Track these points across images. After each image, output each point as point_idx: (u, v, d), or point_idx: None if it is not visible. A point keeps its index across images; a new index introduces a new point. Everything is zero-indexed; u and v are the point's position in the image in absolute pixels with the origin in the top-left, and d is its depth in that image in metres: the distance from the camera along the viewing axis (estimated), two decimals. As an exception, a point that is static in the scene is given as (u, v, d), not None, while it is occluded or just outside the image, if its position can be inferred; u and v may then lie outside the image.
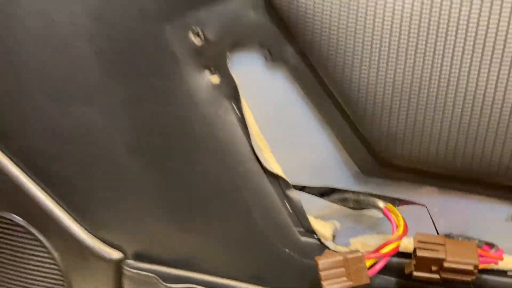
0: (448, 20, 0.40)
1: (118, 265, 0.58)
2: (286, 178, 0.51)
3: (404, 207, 0.50)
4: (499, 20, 0.39)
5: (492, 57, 0.40)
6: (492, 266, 0.47)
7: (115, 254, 0.57)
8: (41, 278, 0.61)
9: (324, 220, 0.53)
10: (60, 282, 0.60)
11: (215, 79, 0.48)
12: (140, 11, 0.46)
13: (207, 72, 0.48)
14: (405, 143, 0.44)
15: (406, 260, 0.49)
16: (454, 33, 0.40)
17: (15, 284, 0.62)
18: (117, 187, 0.55)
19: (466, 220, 0.49)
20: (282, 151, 0.51)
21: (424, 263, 0.44)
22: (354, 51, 0.42)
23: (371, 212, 0.52)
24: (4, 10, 0.49)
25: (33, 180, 0.56)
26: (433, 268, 0.44)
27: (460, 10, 0.39)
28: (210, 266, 0.56)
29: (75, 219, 0.57)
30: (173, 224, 0.55)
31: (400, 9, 0.40)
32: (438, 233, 0.50)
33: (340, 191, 0.52)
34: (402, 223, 0.46)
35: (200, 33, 0.46)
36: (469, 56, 0.40)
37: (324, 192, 0.53)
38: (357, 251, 0.45)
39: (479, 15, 0.39)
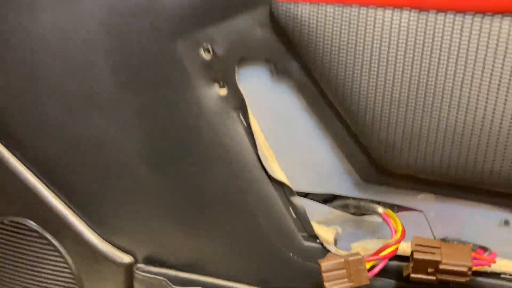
0: (441, 41, 0.41)
1: (128, 269, 0.58)
2: (290, 185, 0.51)
3: (402, 213, 0.50)
4: (487, 47, 0.40)
5: (482, 77, 0.41)
6: (486, 268, 0.47)
7: (126, 258, 0.57)
8: (54, 282, 0.61)
9: (326, 226, 0.53)
10: (73, 286, 0.60)
11: (223, 91, 0.49)
12: (154, 29, 0.47)
13: (216, 85, 0.49)
14: (402, 153, 0.45)
15: (405, 264, 0.49)
16: (447, 51, 0.41)
17: (29, 288, 0.62)
18: (128, 193, 0.55)
19: (461, 225, 0.49)
20: (286, 160, 0.51)
21: (421, 265, 0.44)
22: (353, 66, 0.43)
23: (371, 217, 0.52)
24: (25, 27, 0.50)
25: (48, 187, 0.57)
26: (430, 270, 0.44)
27: (452, 33, 0.40)
28: (217, 269, 0.55)
29: (88, 225, 0.57)
30: (182, 229, 0.55)
31: (396, 28, 0.41)
32: (434, 237, 0.50)
33: (341, 198, 0.52)
34: (400, 227, 0.47)
35: (210, 49, 0.47)
36: (461, 75, 0.41)
37: (327, 199, 0.53)
38: (357, 253, 0.45)
39: (469, 38, 0.40)
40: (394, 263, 0.49)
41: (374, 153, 0.46)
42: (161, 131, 0.51)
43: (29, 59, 0.51)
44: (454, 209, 0.49)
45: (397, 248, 0.46)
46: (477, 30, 0.39)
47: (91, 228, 0.57)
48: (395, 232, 0.47)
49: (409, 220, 0.49)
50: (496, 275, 0.48)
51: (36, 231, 0.58)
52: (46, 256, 0.59)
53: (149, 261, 0.57)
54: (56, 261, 0.59)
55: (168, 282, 0.56)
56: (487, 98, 0.41)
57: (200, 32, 0.46)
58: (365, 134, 0.46)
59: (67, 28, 0.49)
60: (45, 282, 0.61)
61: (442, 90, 0.42)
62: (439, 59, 0.41)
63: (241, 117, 0.50)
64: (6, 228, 0.59)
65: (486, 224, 0.48)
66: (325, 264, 0.44)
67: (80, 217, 0.57)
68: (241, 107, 0.50)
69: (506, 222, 0.48)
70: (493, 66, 0.40)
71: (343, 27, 0.42)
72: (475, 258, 0.45)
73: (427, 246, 0.45)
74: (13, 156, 0.56)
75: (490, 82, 0.41)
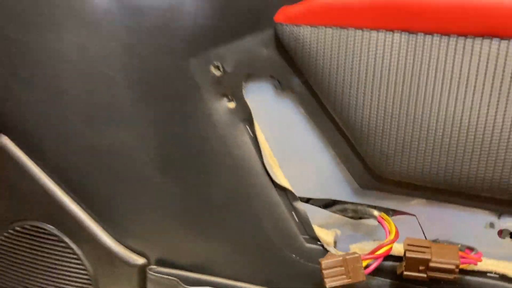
0: (429, 60, 0.42)
1: (142, 270, 0.59)
2: (293, 191, 0.52)
3: (397, 217, 0.51)
4: (469, 66, 0.41)
5: (465, 92, 0.42)
6: (473, 267, 0.48)
7: (140, 260, 0.58)
8: (72, 283, 0.61)
9: (326, 228, 0.54)
10: (89, 287, 0.61)
11: (231, 104, 0.51)
12: (168, 48, 0.48)
13: (225, 99, 0.50)
14: (396, 161, 0.45)
15: (399, 263, 0.50)
16: (434, 70, 0.42)
17: (47, 290, 0.63)
18: (142, 199, 0.56)
19: (451, 227, 0.50)
20: (289, 167, 0.52)
21: (413, 264, 0.46)
22: (350, 83, 0.44)
23: (368, 221, 0.53)
24: (48, 45, 0.51)
25: (67, 193, 0.57)
26: (421, 268, 0.46)
27: (438, 53, 0.41)
28: (225, 270, 0.56)
29: (104, 229, 0.58)
30: (192, 232, 0.56)
31: (388, 48, 0.42)
32: (426, 239, 0.50)
33: (340, 203, 0.53)
34: (394, 229, 0.48)
35: (220, 66, 0.48)
36: (447, 91, 0.42)
37: (327, 204, 0.54)
38: (354, 252, 0.46)
39: (454, 58, 0.41)
40: (389, 263, 0.51)
41: (370, 161, 0.47)
42: (174, 141, 0.52)
43: (54, 76, 0.52)
44: (444, 212, 0.49)
45: (391, 248, 0.47)
46: (460, 50, 0.41)
47: (107, 232, 0.58)
48: (389, 233, 0.48)
49: (403, 223, 0.50)
50: (483, 273, 0.49)
51: (55, 235, 0.59)
52: (64, 259, 0.60)
53: (161, 262, 0.58)
54: (74, 263, 0.60)
55: (180, 282, 0.57)
56: (470, 112, 0.42)
57: (211, 51, 0.48)
58: (362, 144, 0.47)
59: (89, 48, 0.50)
60: (63, 284, 0.62)
61: (430, 105, 0.43)
62: (427, 76, 0.42)
63: (248, 128, 0.51)
64: (28, 232, 0.60)
65: (473, 227, 0.49)
66: (325, 262, 0.45)
67: (96, 221, 0.58)
68: (248, 119, 0.51)
69: (492, 225, 0.49)
70: (475, 82, 0.41)
71: (341, 47, 0.43)
72: (462, 257, 0.46)
73: (418, 246, 0.46)
74: (35, 165, 0.57)
75: (473, 98, 0.41)
